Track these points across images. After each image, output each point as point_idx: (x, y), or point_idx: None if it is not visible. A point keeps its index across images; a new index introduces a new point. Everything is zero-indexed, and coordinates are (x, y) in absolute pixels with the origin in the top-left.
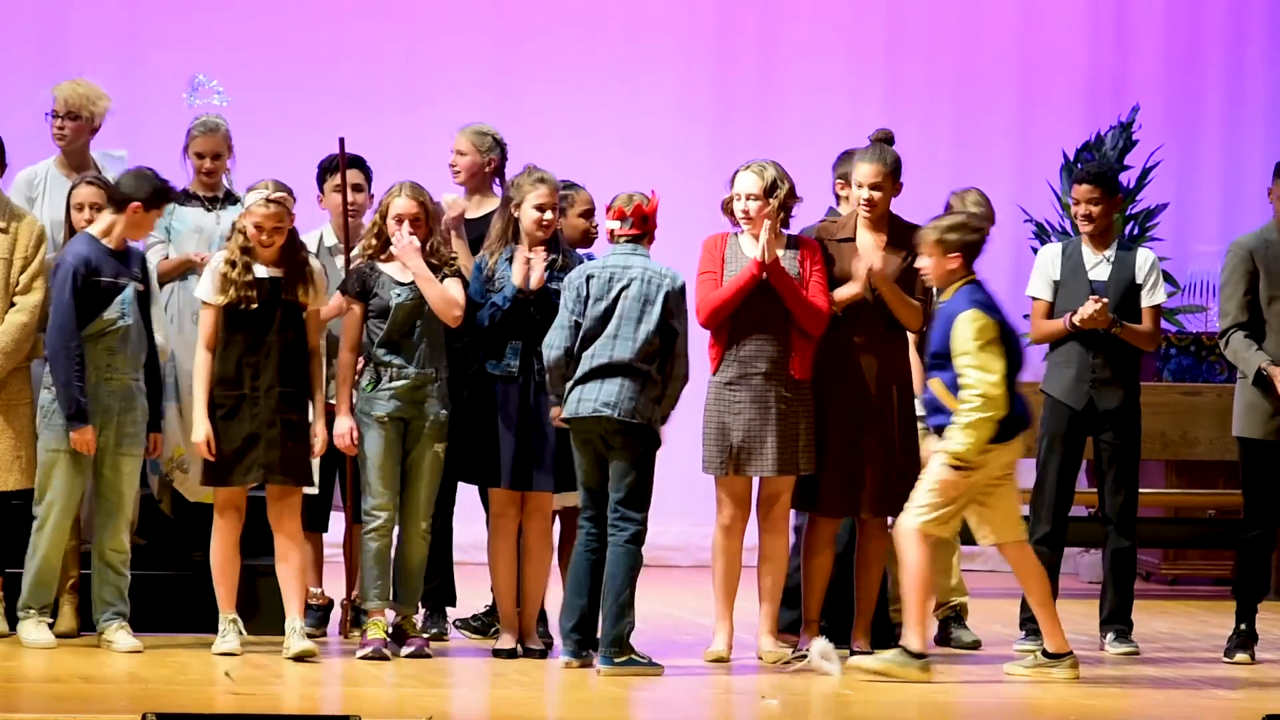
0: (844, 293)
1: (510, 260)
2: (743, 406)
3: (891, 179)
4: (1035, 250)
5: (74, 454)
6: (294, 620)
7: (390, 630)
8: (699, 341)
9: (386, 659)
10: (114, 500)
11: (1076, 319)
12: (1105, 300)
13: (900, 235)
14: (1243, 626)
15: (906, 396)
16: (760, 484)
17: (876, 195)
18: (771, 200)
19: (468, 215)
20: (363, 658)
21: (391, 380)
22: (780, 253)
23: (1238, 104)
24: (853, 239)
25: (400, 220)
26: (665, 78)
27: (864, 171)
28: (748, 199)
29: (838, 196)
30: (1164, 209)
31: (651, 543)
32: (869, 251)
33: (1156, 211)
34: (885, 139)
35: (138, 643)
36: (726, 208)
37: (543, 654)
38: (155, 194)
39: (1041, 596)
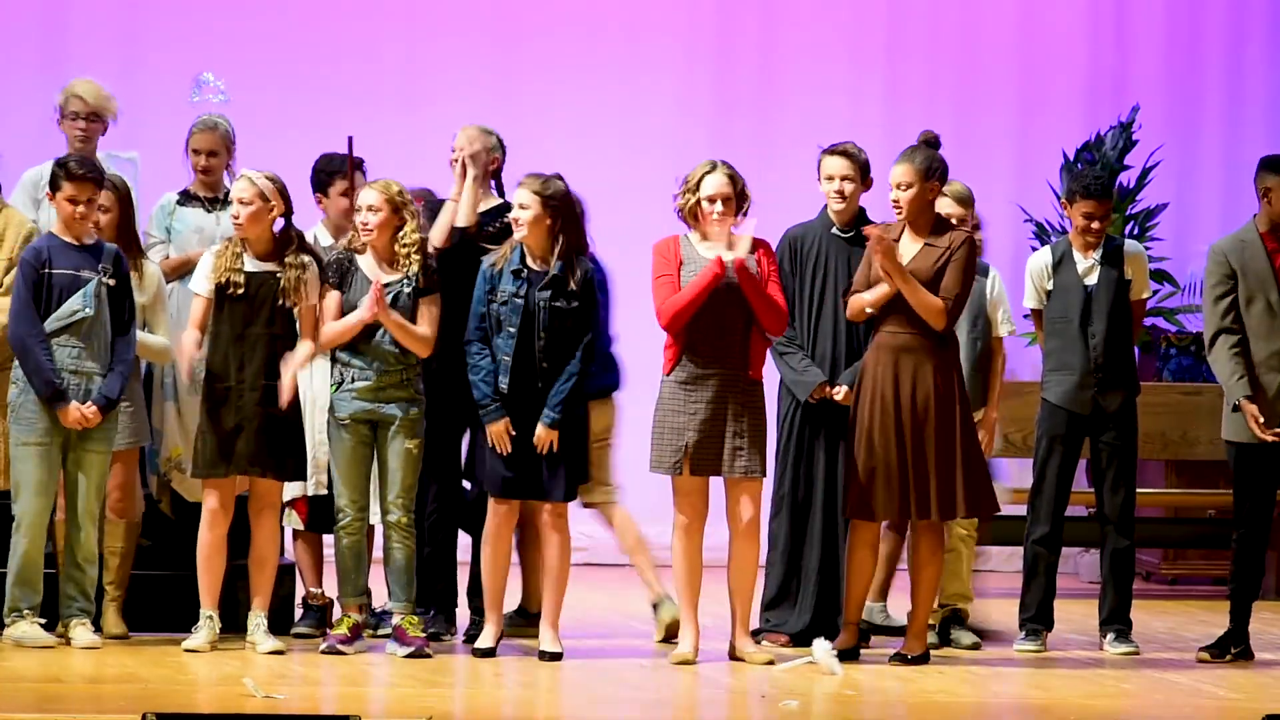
0: (875, 292)
1: (516, 274)
2: (699, 407)
3: (922, 179)
4: (1035, 250)
5: (43, 448)
6: (259, 617)
7: (358, 624)
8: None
9: (343, 654)
10: (79, 496)
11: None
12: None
13: (941, 236)
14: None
15: (948, 399)
16: (726, 487)
17: (904, 196)
18: (743, 202)
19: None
20: (322, 652)
21: (354, 381)
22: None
23: (1238, 104)
24: (897, 240)
25: (361, 209)
26: (665, 78)
27: (893, 172)
28: (722, 201)
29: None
30: (1164, 209)
31: (655, 543)
32: (879, 244)
33: (1156, 211)
34: (928, 141)
35: (97, 639)
36: (689, 209)
37: (556, 656)
38: (52, 177)
39: (633, 544)
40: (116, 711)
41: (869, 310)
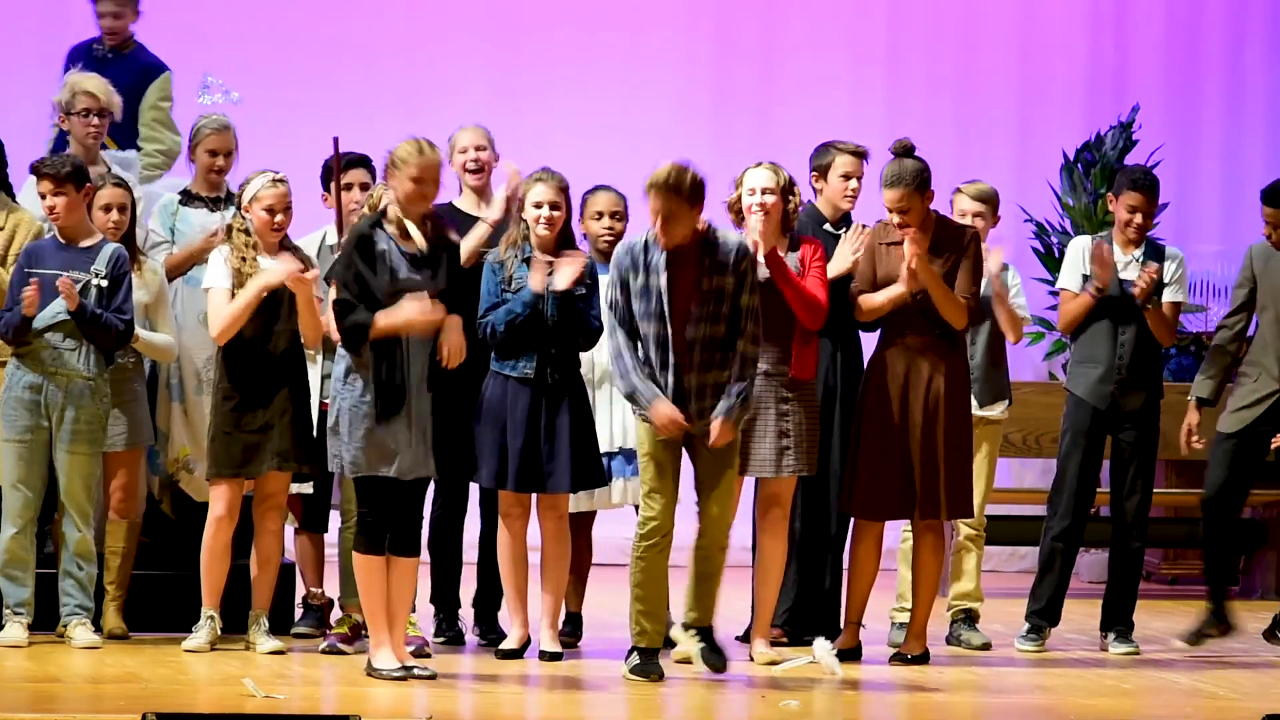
0: (889, 293)
1: (527, 261)
2: None
3: (919, 196)
4: (1035, 250)
5: (27, 445)
6: (260, 617)
7: (358, 624)
8: None
9: (343, 654)
10: (68, 496)
11: (1099, 282)
12: (1157, 266)
13: (947, 236)
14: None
15: (958, 400)
16: (757, 484)
17: (905, 218)
18: (790, 199)
19: (473, 212)
20: (322, 651)
21: None
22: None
23: (1238, 104)
24: (900, 242)
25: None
26: (666, 75)
27: (889, 197)
28: (764, 193)
29: (815, 190)
30: (1164, 209)
31: (677, 544)
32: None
33: (1157, 211)
34: (905, 151)
35: (97, 639)
36: (734, 206)
37: (556, 656)
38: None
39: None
40: (116, 711)
41: (884, 311)
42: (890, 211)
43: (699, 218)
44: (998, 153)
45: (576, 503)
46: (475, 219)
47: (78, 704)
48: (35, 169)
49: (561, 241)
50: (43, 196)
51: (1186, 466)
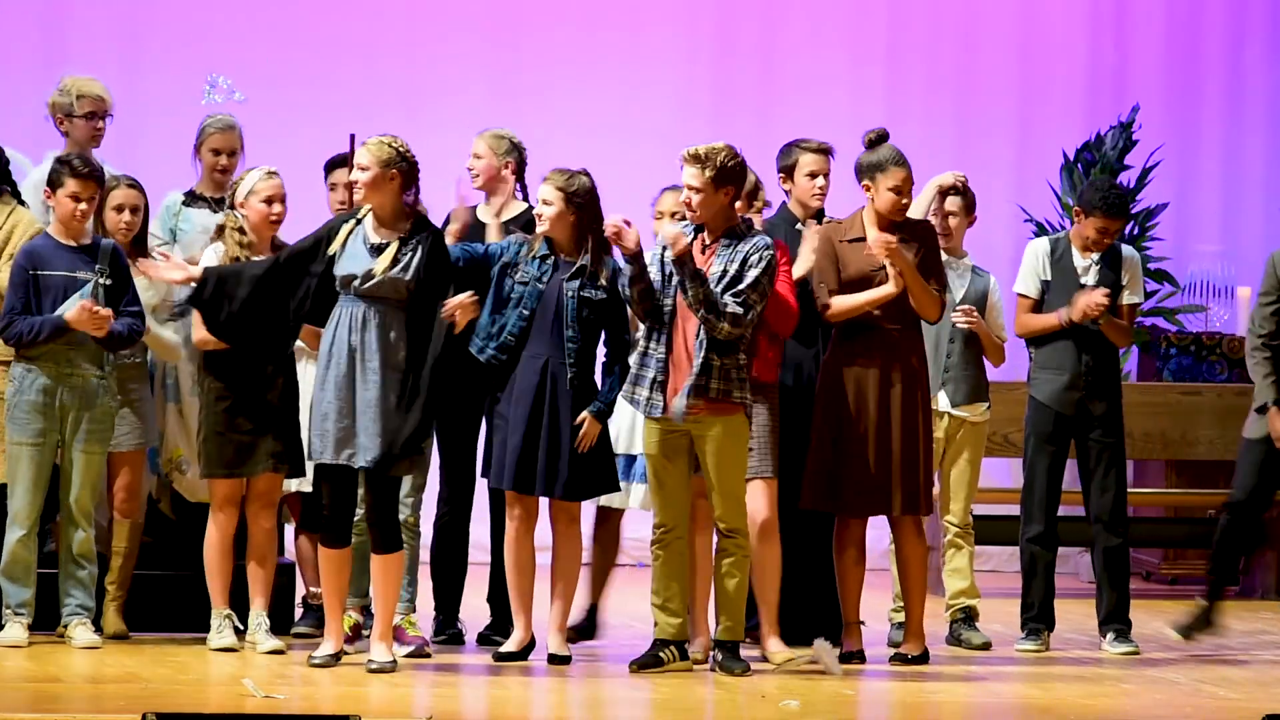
0: (874, 294)
1: (542, 259)
2: None
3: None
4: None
5: (39, 449)
6: (260, 616)
7: (358, 624)
8: None
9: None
10: (73, 495)
11: (1075, 316)
12: (1108, 292)
13: (910, 230)
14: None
15: (926, 393)
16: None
17: (909, 200)
18: (754, 202)
19: (486, 220)
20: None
21: None
22: None
23: (1238, 104)
24: (863, 239)
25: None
26: (666, 74)
27: (900, 176)
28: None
29: (784, 191)
30: (1164, 209)
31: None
32: (885, 245)
33: (1156, 211)
34: (880, 139)
35: (97, 639)
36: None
37: (565, 660)
38: (53, 173)
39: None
40: (116, 711)
41: (873, 312)
42: (896, 190)
43: (726, 202)
44: (998, 153)
45: (608, 499)
46: (483, 223)
47: (78, 704)
48: (76, 171)
49: (579, 241)
50: (75, 198)
51: (1186, 466)
